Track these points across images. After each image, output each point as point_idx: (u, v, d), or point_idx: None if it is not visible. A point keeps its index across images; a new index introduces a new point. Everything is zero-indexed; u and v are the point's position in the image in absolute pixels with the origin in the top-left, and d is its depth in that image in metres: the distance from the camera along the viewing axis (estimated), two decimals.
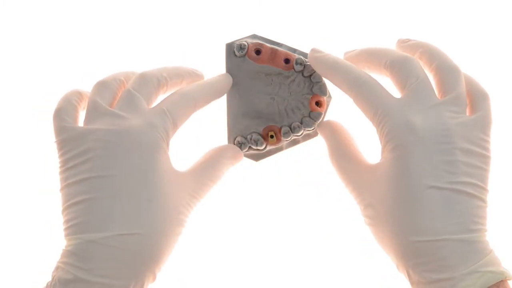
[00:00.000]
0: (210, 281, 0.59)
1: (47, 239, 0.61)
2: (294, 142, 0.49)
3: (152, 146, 0.39)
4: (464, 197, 0.38)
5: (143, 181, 0.38)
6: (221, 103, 0.48)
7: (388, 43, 0.46)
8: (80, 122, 0.42)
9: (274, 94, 0.48)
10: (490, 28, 0.62)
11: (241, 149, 0.48)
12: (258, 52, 0.47)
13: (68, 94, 0.44)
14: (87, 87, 0.45)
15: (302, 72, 0.47)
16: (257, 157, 0.49)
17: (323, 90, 0.47)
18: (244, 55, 0.47)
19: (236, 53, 0.47)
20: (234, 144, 0.48)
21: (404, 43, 0.45)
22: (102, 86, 0.42)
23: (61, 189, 0.40)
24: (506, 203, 0.63)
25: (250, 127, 0.48)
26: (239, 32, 0.49)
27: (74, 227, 0.38)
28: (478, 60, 0.61)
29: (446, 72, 0.41)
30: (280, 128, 0.48)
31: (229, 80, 0.47)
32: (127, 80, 0.44)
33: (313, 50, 0.45)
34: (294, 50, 0.48)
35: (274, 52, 0.47)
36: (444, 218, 0.37)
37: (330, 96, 0.48)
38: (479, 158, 0.39)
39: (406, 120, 0.39)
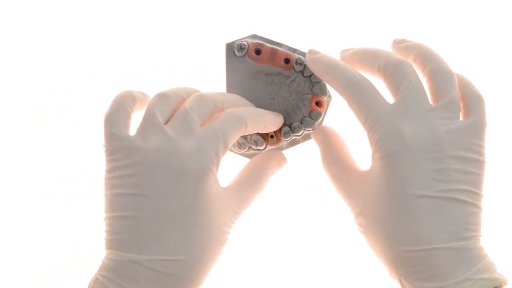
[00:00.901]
0: (215, 282, 0.59)
1: (47, 239, 0.61)
2: (294, 142, 0.49)
3: (201, 172, 0.38)
4: (455, 204, 0.38)
5: (190, 207, 0.38)
6: None
7: (388, 43, 0.46)
8: (132, 128, 0.42)
9: (274, 94, 0.48)
10: (489, 28, 0.62)
11: (241, 149, 0.48)
12: (258, 52, 0.47)
13: (121, 97, 0.42)
14: (87, 87, 0.45)
15: (302, 72, 0.47)
16: None
17: (323, 90, 0.47)
18: (244, 55, 0.47)
19: (236, 53, 0.47)
20: (234, 144, 0.48)
21: (399, 44, 0.44)
22: (162, 99, 0.42)
23: (105, 194, 0.40)
24: (505, 205, 0.63)
25: None
26: (239, 32, 0.48)
27: (117, 242, 0.38)
28: (477, 60, 0.61)
29: (439, 76, 0.41)
30: (280, 128, 0.48)
31: (280, 121, 0.47)
32: (187, 96, 0.43)
33: (310, 52, 0.45)
34: (294, 50, 0.48)
35: (274, 52, 0.47)
36: (435, 226, 0.37)
37: (330, 96, 0.48)
38: (472, 164, 0.39)
39: (395, 128, 0.38)
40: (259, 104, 0.48)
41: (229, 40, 0.48)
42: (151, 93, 0.44)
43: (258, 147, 0.48)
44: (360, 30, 0.60)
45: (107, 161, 0.40)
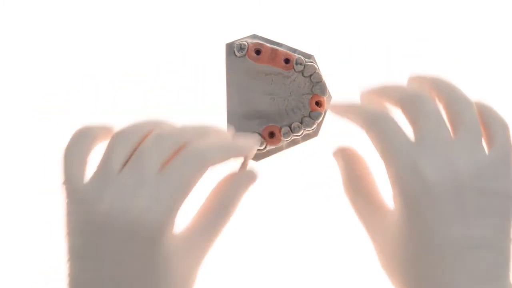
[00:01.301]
0: (214, 283, 0.59)
1: (47, 239, 0.61)
2: (294, 142, 0.49)
3: (156, 231, 0.33)
4: (480, 251, 0.35)
5: (145, 271, 0.34)
6: (221, 103, 0.48)
7: (387, 42, 0.46)
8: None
9: (274, 94, 0.48)
10: (489, 28, 0.62)
11: None
12: (258, 52, 0.47)
13: (79, 135, 0.39)
14: (87, 87, 0.45)
15: (302, 72, 0.47)
16: (257, 157, 0.49)
17: (323, 90, 0.47)
18: (244, 55, 0.47)
19: (236, 53, 0.47)
20: None
21: (415, 79, 0.42)
22: (120, 139, 0.37)
23: (64, 237, 0.37)
24: None
25: (250, 127, 0.48)
26: (239, 32, 0.49)
27: None
28: (478, 60, 0.61)
29: (455, 104, 0.38)
30: (280, 128, 0.48)
31: (253, 146, 0.40)
32: (150, 133, 0.38)
33: (331, 103, 0.43)
34: (294, 50, 0.48)
35: (274, 52, 0.47)
36: (460, 273, 0.34)
37: (330, 96, 0.48)
38: (500, 200, 0.35)
39: (413, 165, 0.35)
40: (259, 104, 0.48)
41: (229, 40, 0.48)
42: (151, 94, 0.44)
43: (258, 147, 0.48)
44: (360, 30, 0.60)
45: (64, 201, 0.37)
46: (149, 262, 0.34)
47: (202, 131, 0.38)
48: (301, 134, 0.48)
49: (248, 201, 0.60)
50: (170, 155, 0.36)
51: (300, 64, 0.47)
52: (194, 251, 0.37)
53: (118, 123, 0.43)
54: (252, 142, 0.40)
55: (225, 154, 0.37)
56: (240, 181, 0.39)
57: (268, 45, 0.47)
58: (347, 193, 0.41)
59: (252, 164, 0.48)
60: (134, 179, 0.35)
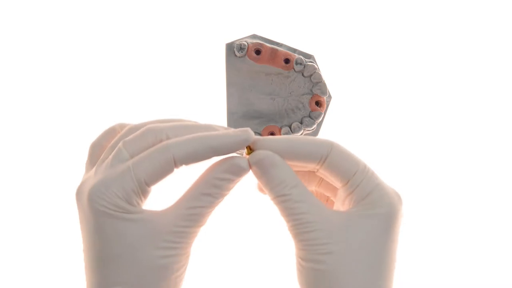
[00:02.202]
0: (211, 283, 0.59)
1: (47, 239, 0.61)
2: None
3: (101, 207, 0.38)
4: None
5: (101, 241, 0.38)
6: (221, 103, 0.48)
7: (387, 42, 0.46)
8: None
9: (274, 94, 0.48)
10: (489, 28, 0.62)
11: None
12: (258, 52, 0.47)
13: (109, 130, 0.44)
14: (87, 88, 0.45)
15: (302, 72, 0.47)
16: None
17: (323, 90, 0.47)
18: (244, 55, 0.47)
19: (236, 53, 0.47)
20: None
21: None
22: (128, 132, 0.41)
23: None
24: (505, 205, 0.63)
25: (250, 127, 0.48)
26: (239, 32, 0.49)
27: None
28: (477, 60, 0.61)
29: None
30: (280, 128, 0.48)
31: (248, 136, 0.39)
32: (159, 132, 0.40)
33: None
34: (294, 50, 0.48)
35: (274, 52, 0.47)
36: None
37: (330, 96, 0.48)
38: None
39: None
40: (259, 104, 0.48)
41: (229, 40, 0.48)
42: (151, 94, 0.44)
43: None
44: (359, 30, 0.60)
45: None
46: (99, 234, 0.38)
47: (190, 129, 0.40)
48: (301, 134, 0.48)
49: (248, 201, 0.60)
50: (147, 146, 0.39)
51: (300, 64, 0.47)
52: (165, 226, 0.38)
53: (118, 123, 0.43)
54: (242, 136, 0.39)
55: (195, 146, 0.38)
56: (222, 168, 0.39)
57: (268, 45, 0.47)
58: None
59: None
60: (105, 166, 0.39)
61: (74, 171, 0.57)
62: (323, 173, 0.41)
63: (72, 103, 0.62)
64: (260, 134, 0.48)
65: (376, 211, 0.39)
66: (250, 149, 0.40)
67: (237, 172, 0.39)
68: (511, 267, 0.63)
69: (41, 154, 0.63)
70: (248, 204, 0.59)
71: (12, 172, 0.63)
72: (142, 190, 0.38)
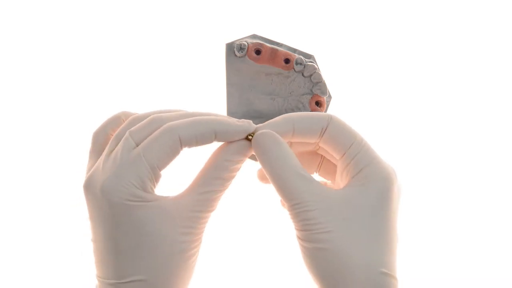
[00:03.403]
0: (211, 283, 0.59)
1: (47, 239, 0.61)
2: None
3: (118, 198, 0.38)
4: None
5: (118, 231, 0.38)
6: (221, 103, 0.48)
7: (387, 42, 0.46)
8: None
9: (274, 94, 0.48)
10: (489, 28, 0.62)
11: None
12: (258, 52, 0.47)
13: (112, 117, 0.44)
14: (87, 87, 0.45)
15: (302, 72, 0.47)
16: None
17: (323, 90, 0.47)
18: (244, 55, 0.47)
19: (236, 53, 0.47)
20: None
21: None
22: (132, 123, 0.41)
23: None
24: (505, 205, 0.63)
25: None
26: (239, 32, 0.49)
27: (95, 266, 0.40)
28: (477, 60, 0.61)
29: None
30: None
31: (250, 125, 0.40)
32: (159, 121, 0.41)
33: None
34: (294, 50, 0.48)
35: (274, 52, 0.47)
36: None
37: (330, 96, 0.48)
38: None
39: None
40: (259, 104, 0.48)
41: (229, 40, 0.48)
42: (151, 94, 0.44)
43: None
44: (359, 30, 0.60)
45: None
46: (117, 224, 0.38)
47: (186, 115, 0.41)
48: None
49: (249, 201, 0.60)
50: (147, 134, 0.39)
51: (300, 64, 0.47)
52: (182, 212, 0.39)
53: (118, 123, 0.43)
54: (244, 125, 0.40)
55: (198, 128, 0.39)
56: (229, 150, 0.40)
57: (268, 45, 0.47)
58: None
59: (251, 163, 0.49)
60: (114, 157, 0.39)
61: (72, 166, 0.57)
62: (323, 146, 0.42)
63: (72, 104, 0.62)
64: None
65: (371, 184, 0.39)
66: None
67: (245, 152, 0.40)
68: (510, 266, 0.63)
69: (39, 150, 0.63)
70: (248, 204, 0.59)
71: (11, 171, 0.63)
72: (155, 175, 0.39)
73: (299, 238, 0.39)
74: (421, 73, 0.63)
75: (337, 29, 0.60)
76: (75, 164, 0.58)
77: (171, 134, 0.38)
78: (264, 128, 0.40)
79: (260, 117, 0.48)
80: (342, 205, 0.39)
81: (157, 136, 0.39)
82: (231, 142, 0.40)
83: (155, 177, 0.39)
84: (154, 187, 0.39)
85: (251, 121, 0.40)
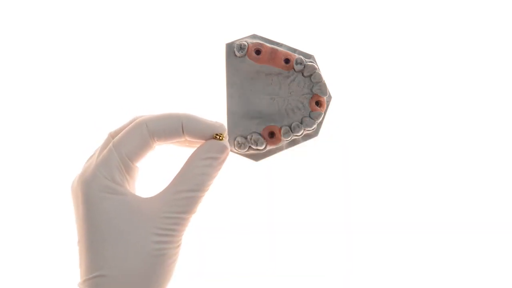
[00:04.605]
0: (210, 281, 0.59)
1: (47, 239, 0.61)
2: (294, 142, 0.49)
3: (90, 191, 0.39)
4: None
5: (90, 225, 0.39)
6: (221, 103, 0.48)
7: (387, 42, 0.46)
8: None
9: (274, 94, 0.48)
10: (489, 28, 0.62)
11: (241, 149, 0.48)
12: (258, 52, 0.47)
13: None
14: (87, 87, 0.45)
15: (302, 72, 0.47)
16: (257, 157, 0.49)
17: (323, 90, 0.47)
18: (244, 55, 0.47)
19: (236, 53, 0.47)
20: (234, 144, 0.48)
21: None
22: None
23: None
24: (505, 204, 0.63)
25: (250, 127, 0.48)
26: (239, 32, 0.49)
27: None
28: (477, 60, 0.61)
29: None
30: (280, 128, 0.48)
31: (220, 125, 0.42)
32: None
33: None
34: (294, 50, 0.48)
35: (274, 52, 0.47)
36: None
37: (330, 96, 0.48)
38: None
39: None
40: (259, 104, 0.48)
41: (229, 40, 0.48)
42: (151, 94, 0.44)
43: (258, 147, 0.48)
44: (359, 30, 0.60)
45: None
46: (90, 218, 0.38)
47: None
48: (301, 134, 0.48)
49: (249, 200, 0.60)
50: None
51: (300, 64, 0.47)
52: (157, 212, 0.39)
53: (118, 123, 0.43)
54: (215, 125, 0.41)
55: (166, 120, 0.40)
56: (205, 151, 0.41)
57: (268, 45, 0.47)
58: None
59: (251, 163, 0.49)
60: (98, 153, 0.41)
61: (72, 166, 0.57)
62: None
63: (71, 104, 0.62)
64: (260, 134, 0.48)
65: None
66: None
67: (218, 149, 0.41)
68: (510, 265, 0.63)
69: (39, 150, 0.63)
70: (247, 204, 0.59)
71: (11, 171, 0.63)
72: (126, 166, 0.39)
73: None
74: (421, 73, 0.63)
75: (337, 29, 0.60)
76: (75, 164, 0.58)
77: (140, 125, 0.40)
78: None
79: (260, 117, 0.48)
80: None
81: (127, 129, 0.40)
82: (204, 142, 0.41)
83: (126, 169, 0.40)
84: (127, 180, 0.40)
85: (223, 124, 0.42)
